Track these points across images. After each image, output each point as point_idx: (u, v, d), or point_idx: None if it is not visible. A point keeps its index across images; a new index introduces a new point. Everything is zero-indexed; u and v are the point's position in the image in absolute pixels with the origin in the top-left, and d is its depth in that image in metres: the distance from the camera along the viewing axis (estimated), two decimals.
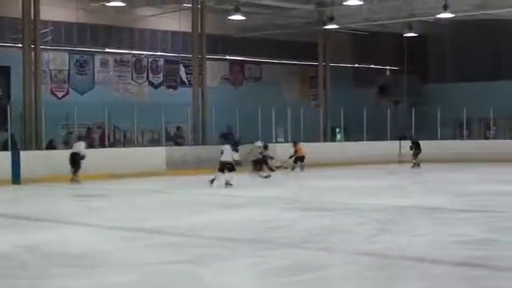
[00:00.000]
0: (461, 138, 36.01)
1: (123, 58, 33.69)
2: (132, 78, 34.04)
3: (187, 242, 11.74)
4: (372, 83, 41.94)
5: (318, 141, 34.64)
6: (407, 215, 14.78)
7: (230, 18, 31.75)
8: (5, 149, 25.23)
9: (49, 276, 9.19)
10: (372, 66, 42.53)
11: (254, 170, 25.07)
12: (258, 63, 38.67)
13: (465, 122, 35.60)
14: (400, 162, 32.60)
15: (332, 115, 36.30)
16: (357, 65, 42.32)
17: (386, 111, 36.03)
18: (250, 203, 17.60)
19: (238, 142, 23.11)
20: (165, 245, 11.39)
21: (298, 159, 29.15)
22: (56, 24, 31.17)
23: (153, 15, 33.84)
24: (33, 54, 25.87)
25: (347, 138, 36.92)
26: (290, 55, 39.40)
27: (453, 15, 30.69)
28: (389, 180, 24.96)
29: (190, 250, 10.84)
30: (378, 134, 34.55)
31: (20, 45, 26.24)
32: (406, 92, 40.98)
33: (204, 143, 29.58)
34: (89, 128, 30.38)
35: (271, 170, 26.36)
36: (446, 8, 29.66)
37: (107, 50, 33.07)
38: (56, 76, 31.50)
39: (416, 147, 30.77)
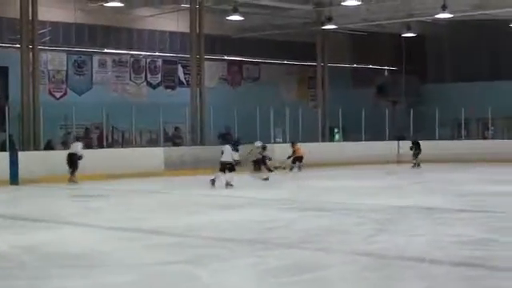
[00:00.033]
0: (459, 138, 36.02)
1: (121, 59, 33.67)
2: (130, 79, 34.02)
3: (185, 242, 11.73)
4: (370, 83, 41.94)
5: (317, 141, 34.61)
6: (406, 215, 14.77)
7: (228, 18, 31.76)
8: (3, 149, 25.17)
9: (47, 276, 9.17)
10: (370, 66, 42.55)
11: (254, 171, 25.05)
12: (257, 63, 38.67)
13: (463, 122, 35.61)
14: (398, 162, 32.60)
15: (330, 115, 36.28)
16: (355, 65, 42.33)
17: (385, 111, 36.02)
18: (248, 203, 17.58)
19: (238, 141, 23.08)
20: (163, 245, 11.38)
21: (297, 159, 29.11)
22: (54, 24, 31.15)
23: (151, 15, 33.82)
24: (31, 54, 25.83)
25: (345, 138, 36.92)
26: (288, 55, 39.40)
27: (451, 15, 30.69)
28: (387, 180, 24.96)
29: (188, 251, 10.82)
30: (376, 134, 34.56)
31: (18, 45, 26.20)
32: (405, 92, 41.00)
33: (202, 143, 29.57)
34: (87, 128, 30.34)
35: (269, 170, 26.34)
36: (444, 8, 29.66)
37: (105, 50, 33.05)
38: (54, 76, 31.47)
39: (416, 147, 30.77)
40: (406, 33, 37.17)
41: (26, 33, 25.71)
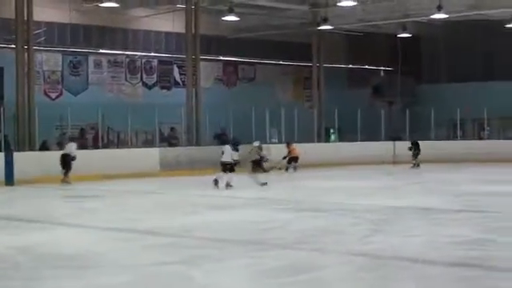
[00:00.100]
0: (455, 138, 36.05)
1: (117, 59, 33.64)
2: (126, 79, 34.00)
3: (180, 242, 11.71)
4: (366, 84, 41.95)
5: (312, 141, 34.61)
6: (401, 216, 14.77)
7: (223, 18, 31.73)
8: None
9: (41, 277, 9.15)
10: (366, 66, 42.56)
11: (252, 171, 24.99)
12: (252, 64, 38.66)
13: (458, 122, 35.64)
14: (394, 162, 32.59)
15: (326, 116, 36.29)
16: (351, 65, 42.34)
17: (380, 112, 36.04)
18: (243, 204, 17.57)
19: (238, 141, 23.03)
20: (158, 246, 11.36)
21: (292, 160, 29.13)
22: (49, 25, 31.10)
23: (146, 16, 33.79)
24: (26, 54, 25.79)
25: (341, 138, 36.90)
26: (284, 56, 39.40)
27: (446, 16, 30.73)
28: (383, 180, 24.94)
29: (184, 251, 10.80)
30: (371, 135, 34.57)
31: (13, 45, 26.16)
32: (400, 92, 41.00)
33: (198, 144, 29.56)
34: (82, 129, 30.31)
35: (264, 171, 26.33)
36: (439, 8, 29.71)
37: (101, 50, 33.02)
38: (49, 77, 31.44)
39: (415, 148, 30.71)
40: (402, 33, 37.19)
41: (21, 33, 25.66)
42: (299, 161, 29.15)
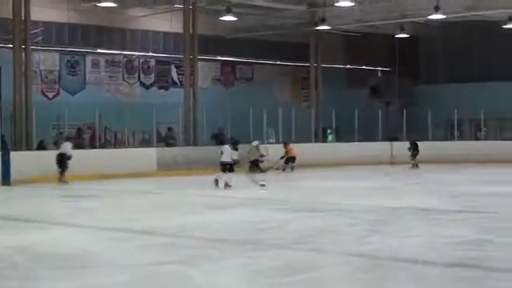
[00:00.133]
0: (452, 139, 36.06)
1: (114, 59, 33.60)
2: (123, 79, 33.96)
3: (178, 242, 11.70)
4: (364, 84, 41.96)
5: (310, 142, 34.61)
6: (399, 216, 14.75)
7: (221, 18, 31.74)
8: None
9: (38, 277, 9.13)
10: (364, 67, 42.56)
11: (249, 171, 25.02)
12: (250, 64, 38.65)
13: (456, 123, 35.66)
14: (392, 163, 32.58)
15: (324, 116, 36.28)
16: (348, 66, 42.34)
17: (378, 112, 36.05)
18: (240, 204, 17.55)
19: (237, 141, 23.05)
20: (155, 245, 11.34)
21: (289, 160, 29.14)
22: (47, 24, 31.06)
23: (144, 16, 33.76)
24: (23, 54, 25.76)
25: (338, 138, 36.89)
26: (282, 56, 39.40)
27: (444, 16, 30.74)
28: (381, 181, 24.93)
29: (181, 251, 10.79)
30: (369, 135, 34.57)
31: (10, 45, 26.10)
32: (398, 93, 41.01)
33: (195, 144, 29.54)
34: (79, 128, 30.27)
35: (262, 171, 26.42)
36: (437, 9, 29.72)
37: (98, 50, 32.98)
38: (47, 76, 31.39)
39: (414, 148, 30.68)
40: (400, 34, 37.20)
41: (19, 33, 25.62)
42: (296, 161, 29.16)
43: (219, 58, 37.23)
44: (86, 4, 30.75)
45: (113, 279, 8.93)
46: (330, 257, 10.35)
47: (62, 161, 23.72)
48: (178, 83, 34.38)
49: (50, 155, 24.42)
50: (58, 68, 31.77)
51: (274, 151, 28.98)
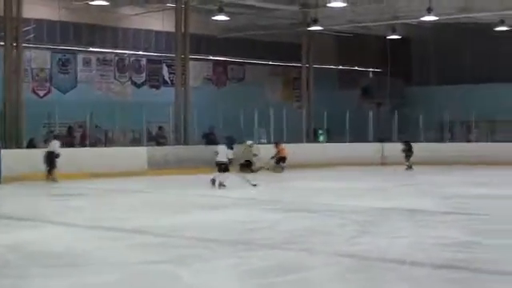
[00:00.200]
0: (443, 140, 36.11)
1: (106, 57, 33.55)
2: (115, 78, 33.92)
3: (168, 242, 11.69)
4: (355, 85, 42.01)
5: (301, 142, 34.62)
6: (389, 217, 14.78)
7: (213, 18, 31.70)
8: None
9: (31, 275, 9.12)
10: (355, 67, 42.60)
11: (240, 171, 25.04)
12: (241, 64, 38.64)
13: (448, 124, 35.72)
14: (382, 164, 32.63)
15: (315, 116, 36.30)
16: (340, 66, 42.37)
17: (369, 113, 36.10)
18: (232, 204, 17.54)
19: (233, 139, 23.03)
20: (146, 245, 11.33)
21: (280, 160, 29.16)
22: (38, 22, 30.98)
23: (136, 14, 33.72)
24: (14, 52, 25.69)
25: (330, 139, 36.90)
26: (274, 56, 39.41)
27: (436, 18, 30.79)
28: (371, 182, 24.94)
29: (171, 251, 10.78)
30: (360, 136, 34.62)
31: (2, 43, 26.03)
32: (389, 94, 41.08)
33: (186, 143, 29.53)
34: (70, 127, 30.20)
35: (252, 171, 26.48)
36: (429, 11, 29.78)
37: (90, 48, 32.92)
38: (38, 75, 31.30)
39: (408, 149, 30.52)
40: (392, 35, 37.25)
41: (10, 30, 25.56)
42: (287, 161, 29.19)
43: (211, 57, 37.22)
44: (78, 2, 30.71)
45: (103, 278, 8.93)
46: (320, 257, 10.36)
47: (50, 159, 23.63)
48: (169, 82, 34.35)
49: (41, 153, 24.35)
50: (49, 66, 31.69)
51: (265, 151, 29.00)
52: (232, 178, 21.63)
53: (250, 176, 23.48)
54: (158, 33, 34.89)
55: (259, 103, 34.06)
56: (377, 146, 33.95)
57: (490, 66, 39.34)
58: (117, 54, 33.91)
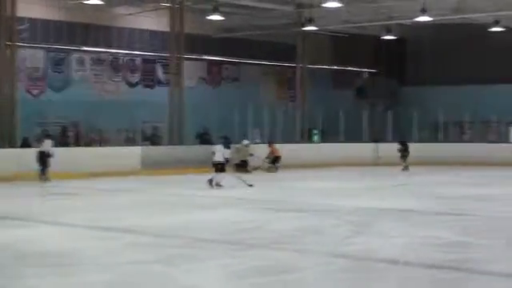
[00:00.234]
0: (437, 141, 36.13)
1: (100, 57, 33.45)
2: (109, 77, 33.83)
3: (161, 242, 11.70)
4: (350, 85, 42.02)
5: (295, 142, 34.61)
6: (382, 217, 14.79)
7: (208, 17, 31.65)
8: None
9: (23, 275, 9.13)
10: (350, 68, 42.61)
11: (235, 171, 25.02)
12: (236, 64, 38.61)
13: (442, 125, 35.75)
14: (377, 164, 32.63)
15: (309, 116, 36.30)
16: (335, 67, 42.37)
17: (363, 113, 36.11)
18: (224, 204, 17.55)
19: (229, 139, 23.05)
20: (138, 244, 11.33)
21: (274, 160, 29.16)
22: (32, 21, 30.87)
23: (131, 14, 33.63)
24: (8, 51, 25.64)
25: (324, 139, 36.89)
26: (269, 56, 39.36)
27: (431, 18, 30.80)
28: (365, 182, 24.98)
29: (164, 250, 10.78)
30: (354, 136, 34.63)
31: None
32: (383, 94, 41.08)
33: (180, 143, 29.49)
34: (64, 126, 30.15)
35: (247, 171, 26.51)
36: (424, 11, 29.79)
37: (84, 48, 32.83)
38: (32, 74, 31.22)
39: (405, 149, 30.44)
40: (386, 35, 37.25)
41: (5, 29, 25.52)
42: (281, 161, 29.19)
43: (206, 57, 37.17)
44: (73, 1, 30.64)
45: (96, 277, 8.94)
46: (312, 257, 10.37)
47: (43, 159, 23.56)
48: (164, 82, 34.30)
49: (34, 153, 24.31)
50: (43, 65, 31.61)
51: (259, 151, 29.00)
52: (228, 178, 21.63)
53: (245, 176, 23.50)
54: (152, 32, 34.82)
55: (254, 103, 34.05)
56: (371, 146, 33.95)
57: (484, 66, 39.35)
58: (111, 53, 33.82)
